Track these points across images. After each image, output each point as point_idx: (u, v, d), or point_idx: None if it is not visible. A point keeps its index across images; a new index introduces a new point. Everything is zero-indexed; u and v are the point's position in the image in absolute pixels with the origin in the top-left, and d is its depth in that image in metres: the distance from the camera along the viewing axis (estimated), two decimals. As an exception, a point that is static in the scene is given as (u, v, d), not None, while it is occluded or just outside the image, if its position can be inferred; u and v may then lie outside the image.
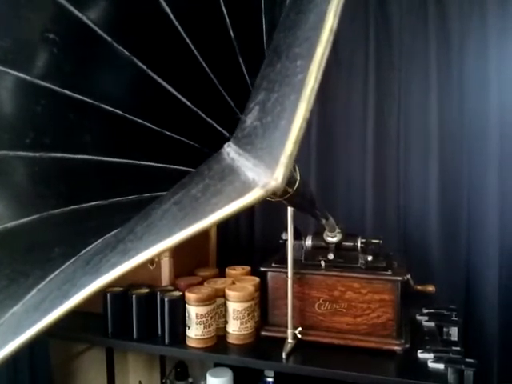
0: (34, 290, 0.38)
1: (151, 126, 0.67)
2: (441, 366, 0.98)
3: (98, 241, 0.44)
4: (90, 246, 0.43)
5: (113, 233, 0.44)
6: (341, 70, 1.49)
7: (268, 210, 1.53)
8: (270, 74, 0.32)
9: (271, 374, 1.32)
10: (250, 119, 0.31)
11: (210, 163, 0.36)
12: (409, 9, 1.42)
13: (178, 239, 0.26)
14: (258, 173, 0.24)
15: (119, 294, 1.17)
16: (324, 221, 1.08)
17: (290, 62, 0.27)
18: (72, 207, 0.54)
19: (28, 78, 0.57)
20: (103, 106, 0.62)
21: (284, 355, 1.04)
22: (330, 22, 0.23)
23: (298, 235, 1.18)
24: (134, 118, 0.65)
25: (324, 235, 1.15)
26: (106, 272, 0.30)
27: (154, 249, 0.28)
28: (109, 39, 0.61)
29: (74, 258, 0.42)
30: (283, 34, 0.33)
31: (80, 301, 0.30)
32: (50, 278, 0.39)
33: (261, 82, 0.35)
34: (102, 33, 0.60)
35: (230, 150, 0.32)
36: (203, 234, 1.43)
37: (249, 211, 1.58)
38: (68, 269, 0.40)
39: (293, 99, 0.23)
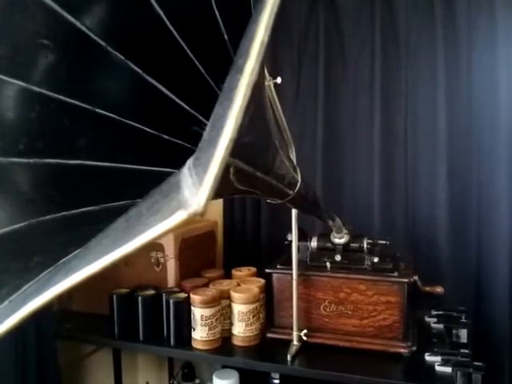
0: (6, 302, 0.38)
1: (147, 129, 0.67)
2: (448, 369, 0.96)
3: (76, 251, 0.44)
4: (66, 257, 0.43)
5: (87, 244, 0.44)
6: (347, 68, 1.48)
7: (275, 210, 1.52)
8: (224, 85, 0.32)
9: (277, 375, 1.31)
10: (205, 132, 0.31)
11: (170, 176, 0.35)
12: (415, 6, 1.39)
13: (102, 265, 0.26)
14: (192, 192, 0.24)
15: (125, 296, 1.18)
16: (330, 222, 1.06)
17: (235, 74, 0.26)
18: (63, 213, 0.54)
19: (23, 84, 0.57)
20: (98, 110, 0.62)
21: (289, 357, 1.04)
22: (261, 34, 0.22)
23: (304, 236, 1.17)
24: (129, 121, 0.65)
25: (331, 236, 1.14)
26: (46, 290, 0.30)
27: (81, 273, 0.27)
28: (103, 44, 0.61)
29: (50, 268, 0.42)
30: (241, 42, 0.33)
31: (19, 320, 0.30)
32: (23, 289, 0.39)
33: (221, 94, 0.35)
34: (96, 38, 0.60)
35: (187, 164, 0.31)
36: (209, 236, 1.43)
37: (255, 212, 1.57)
38: (39, 280, 0.40)
39: (227, 115, 0.23)
